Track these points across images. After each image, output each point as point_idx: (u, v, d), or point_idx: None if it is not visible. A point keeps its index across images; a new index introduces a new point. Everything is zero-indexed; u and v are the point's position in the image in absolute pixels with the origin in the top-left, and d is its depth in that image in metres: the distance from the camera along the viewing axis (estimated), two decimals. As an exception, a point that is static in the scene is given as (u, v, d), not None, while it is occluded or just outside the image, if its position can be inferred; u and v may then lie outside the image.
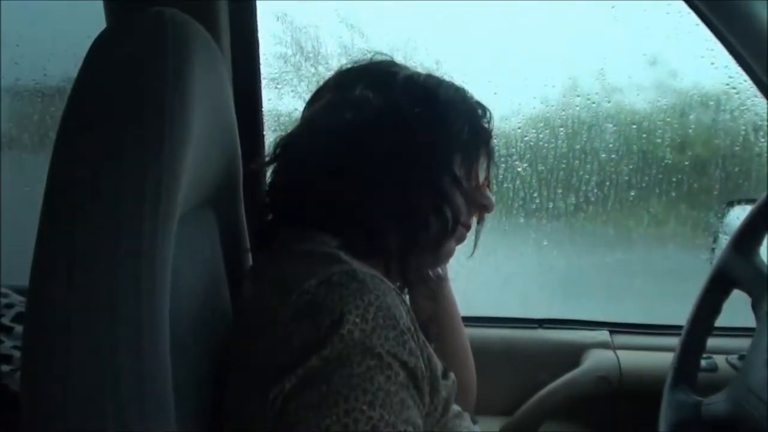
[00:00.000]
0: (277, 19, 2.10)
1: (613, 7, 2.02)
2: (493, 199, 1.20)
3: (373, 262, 0.99)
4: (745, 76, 1.45)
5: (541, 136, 2.20)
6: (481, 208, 1.18)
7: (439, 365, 0.97)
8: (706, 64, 1.99)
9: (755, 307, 1.42)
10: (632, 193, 2.27)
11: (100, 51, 0.81)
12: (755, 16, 1.30)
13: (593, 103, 2.18)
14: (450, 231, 1.08)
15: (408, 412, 0.82)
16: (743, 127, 2.21)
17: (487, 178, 1.19)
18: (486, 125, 1.16)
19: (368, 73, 1.12)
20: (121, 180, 0.74)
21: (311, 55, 2.15)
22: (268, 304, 0.89)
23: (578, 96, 2.17)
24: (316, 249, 0.98)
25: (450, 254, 1.19)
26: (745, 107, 2.15)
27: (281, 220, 1.11)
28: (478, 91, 1.18)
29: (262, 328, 0.88)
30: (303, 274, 0.88)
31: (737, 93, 2.12)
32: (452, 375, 1.05)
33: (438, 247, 1.10)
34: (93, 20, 1.45)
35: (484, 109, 1.16)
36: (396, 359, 0.83)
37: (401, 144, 1.02)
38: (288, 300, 0.85)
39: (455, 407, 1.04)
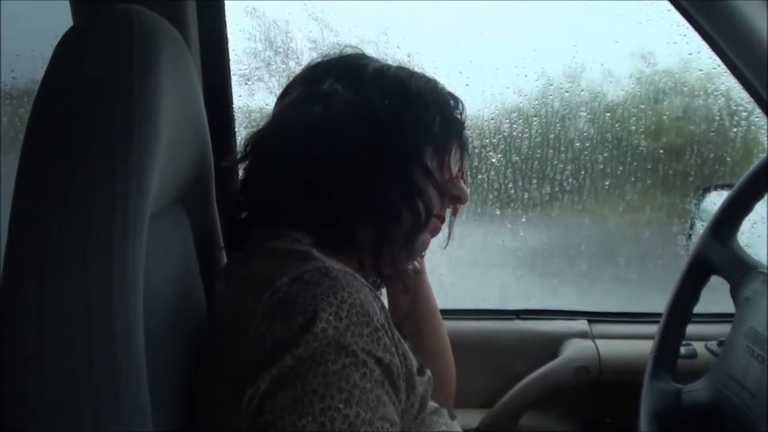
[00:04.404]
0: (247, 15, 2.09)
1: (584, -4, 2.02)
2: (468, 190, 1.19)
3: (346, 258, 0.99)
4: (718, 62, 1.45)
5: (514, 126, 2.20)
6: (455, 199, 1.17)
7: (414, 362, 0.96)
8: (679, 50, 2.00)
9: (734, 292, 1.42)
10: (607, 182, 2.28)
11: (66, 50, 0.80)
12: (756, 34, 1.30)
13: (566, 92, 2.18)
14: (423, 223, 1.07)
15: (384, 409, 0.82)
16: (717, 113, 2.22)
17: (460, 169, 1.18)
18: (458, 116, 1.15)
19: (337, 67, 1.11)
20: (90, 178, 0.73)
21: (281, 50, 2.13)
22: (242, 303, 0.88)
23: (551, 85, 2.17)
24: (289, 246, 0.98)
25: (424, 247, 1.18)
26: (719, 92, 2.16)
27: (254, 217, 1.10)
28: (449, 82, 1.17)
29: (235, 327, 0.87)
30: (275, 272, 0.87)
31: (710, 79, 2.13)
32: (428, 371, 1.05)
33: (411, 240, 1.09)
34: (59, 19, 1.43)
35: (456, 99, 1.15)
36: (371, 356, 0.82)
37: (371, 137, 1.01)
38: (261, 298, 0.85)
39: (432, 404, 1.03)
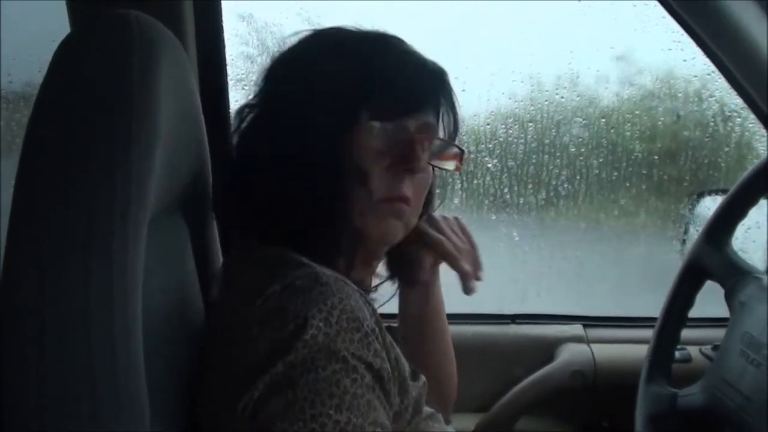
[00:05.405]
0: (242, 20, 2.08)
1: (579, 0, 2.02)
2: (425, 160, 1.04)
3: (327, 261, 0.95)
4: (712, 67, 1.46)
5: (510, 131, 2.20)
6: (405, 170, 1.02)
7: (407, 366, 0.96)
8: (674, 56, 2.00)
9: (728, 297, 1.42)
10: (602, 187, 2.28)
11: (66, 54, 0.80)
12: (750, 39, 1.31)
13: (562, 97, 2.18)
14: (365, 211, 1.01)
15: (375, 414, 0.82)
16: (712, 118, 2.23)
17: (427, 131, 1.05)
18: (409, 77, 1.07)
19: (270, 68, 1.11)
20: (90, 180, 0.73)
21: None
22: (236, 310, 0.89)
23: (546, 91, 2.17)
24: (279, 254, 0.96)
25: (391, 235, 1.06)
26: (713, 98, 2.17)
27: (245, 225, 1.08)
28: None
29: (230, 334, 0.88)
30: (267, 278, 0.87)
31: (704, 84, 2.14)
32: (422, 377, 1.04)
33: (362, 234, 1.03)
34: (56, 24, 1.43)
35: (421, 60, 1.12)
36: (361, 362, 0.82)
37: (288, 138, 0.99)
38: (254, 305, 0.85)
39: (427, 409, 1.03)
